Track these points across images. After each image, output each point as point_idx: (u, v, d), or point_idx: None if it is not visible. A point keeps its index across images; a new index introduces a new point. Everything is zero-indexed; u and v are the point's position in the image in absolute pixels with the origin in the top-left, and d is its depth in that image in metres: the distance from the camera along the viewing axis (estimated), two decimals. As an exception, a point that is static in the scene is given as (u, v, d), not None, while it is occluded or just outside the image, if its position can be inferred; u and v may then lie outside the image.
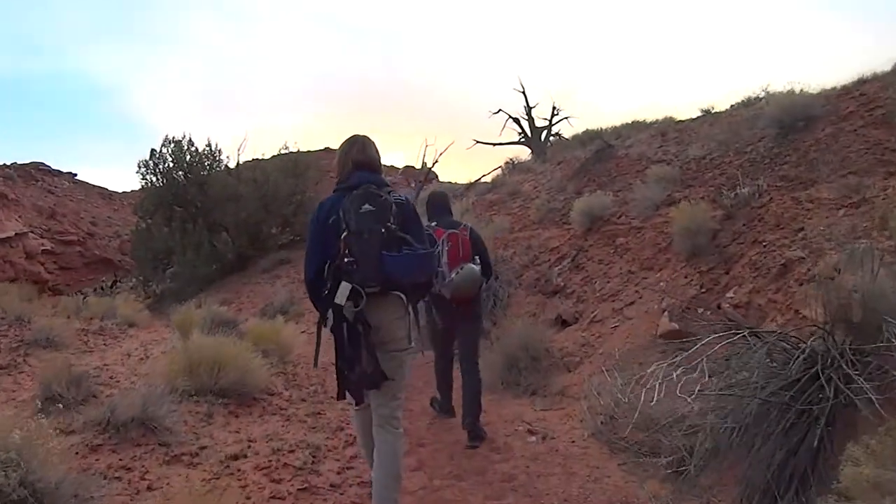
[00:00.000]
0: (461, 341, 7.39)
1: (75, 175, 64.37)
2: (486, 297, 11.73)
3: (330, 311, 4.36)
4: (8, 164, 57.52)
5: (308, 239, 4.57)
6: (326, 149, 56.67)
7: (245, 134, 40.36)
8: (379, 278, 4.28)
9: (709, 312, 8.05)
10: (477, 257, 7.04)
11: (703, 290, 8.52)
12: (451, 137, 41.61)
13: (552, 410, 8.01)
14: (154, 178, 30.24)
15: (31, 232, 41.29)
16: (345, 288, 4.24)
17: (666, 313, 8.22)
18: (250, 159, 31.69)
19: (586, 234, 12.58)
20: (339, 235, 4.30)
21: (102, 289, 36.10)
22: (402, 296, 4.49)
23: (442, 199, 7.71)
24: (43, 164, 61.08)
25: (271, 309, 19.01)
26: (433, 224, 7.16)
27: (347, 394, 4.65)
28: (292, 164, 30.57)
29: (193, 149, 30.36)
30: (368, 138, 4.81)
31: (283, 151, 31.69)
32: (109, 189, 59.37)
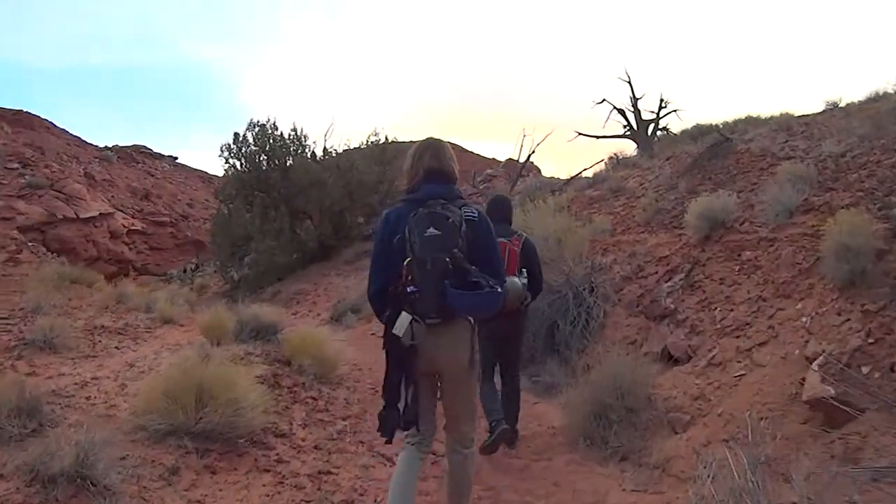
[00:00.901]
0: (502, 356, 7.11)
1: (176, 158, 65.26)
2: (578, 314, 9.88)
3: (386, 334, 4.10)
4: (110, 146, 58.38)
5: (373, 253, 4.37)
6: (428, 139, 55.59)
7: (332, 119, 39.19)
8: (440, 311, 4.05)
9: (878, 376, 5.66)
10: (524, 270, 6.57)
11: (870, 341, 5.98)
12: (552, 129, 39.74)
13: (647, 493, 5.88)
14: (237, 163, 29.22)
15: (122, 212, 41.01)
16: (404, 319, 4.01)
17: (816, 369, 5.81)
18: (338, 148, 30.33)
19: (703, 242, 10.15)
20: (403, 257, 4.07)
21: (185, 271, 35.50)
22: (471, 321, 4.26)
23: (500, 205, 7.23)
24: (145, 147, 62.86)
25: (343, 305, 17.85)
26: None
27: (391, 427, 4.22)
28: (379, 152, 28.85)
29: (278, 133, 29.03)
30: (443, 143, 4.51)
31: (371, 139, 29.91)
32: (210, 173, 59.16)
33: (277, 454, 6.34)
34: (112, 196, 43.83)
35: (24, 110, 51.45)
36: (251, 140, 28.87)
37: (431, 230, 4.02)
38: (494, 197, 7.64)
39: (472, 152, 48.00)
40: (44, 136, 48.62)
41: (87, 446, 4.83)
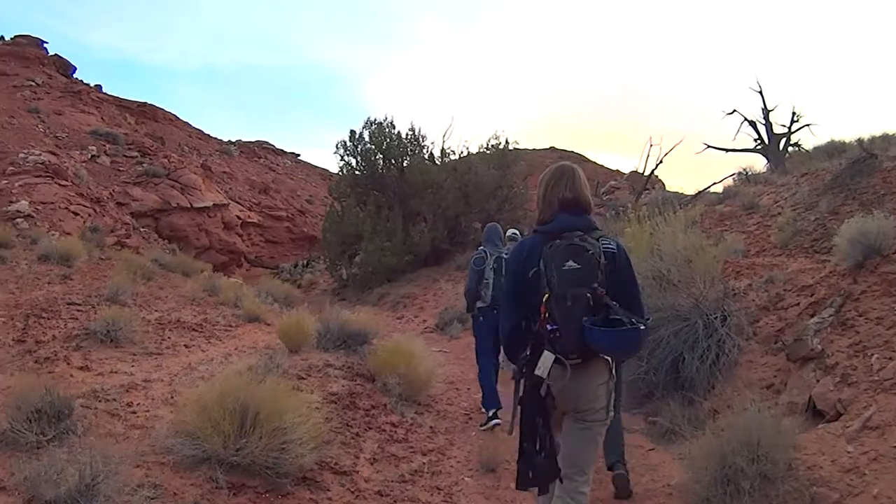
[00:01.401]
0: None
1: (298, 155, 66.18)
2: (707, 347, 8.50)
3: (525, 375, 3.89)
4: (233, 140, 59.53)
5: (505, 289, 4.24)
6: (552, 148, 53.97)
7: (451, 120, 38.56)
8: (581, 350, 3.76)
9: None
10: None
11: None
12: (681, 139, 37.86)
13: None
14: (352, 160, 28.98)
15: (240, 204, 41.37)
16: (547, 359, 3.75)
17: None
18: (457, 150, 29.61)
19: (855, 272, 8.73)
20: (538, 291, 3.82)
21: (296, 266, 35.46)
22: (609, 360, 3.92)
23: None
24: (267, 142, 64.17)
25: (449, 314, 17.19)
26: None
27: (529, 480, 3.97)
28: (499, 156, 27.91)
29: (395, 132, 28.44)
30: (577, 170, 4.23)
31: (491, 142, 28.90)
32: (331, 171, 60.10)
33: (329, 498, 5.36)
34: (230, 188, 44.32)
35: (149, 103, 52.90)
36: (367, 138, 28.44)
37: (570, 263, 3.80)
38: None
39: (594, 162, 46.79)
40: (167, 128, 49.71)
41: (94, 468, 4.16)
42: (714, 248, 10.64)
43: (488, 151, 28.46)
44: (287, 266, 37.23)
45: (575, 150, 56.10)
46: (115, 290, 12.69)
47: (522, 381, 3.92)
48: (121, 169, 34.09)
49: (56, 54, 46.42)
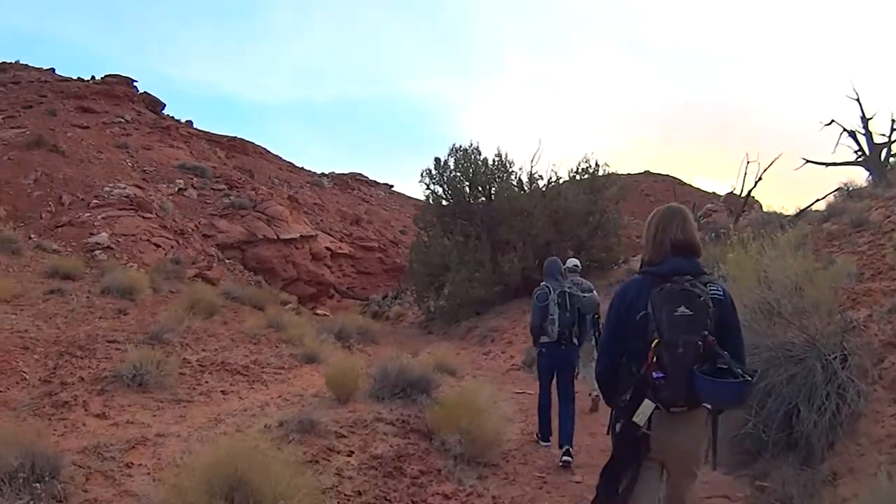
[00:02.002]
0: None
1: (391, 186, 65.80)
2: (827, 395, 6.82)
3: (621, 420, 3.83)
4: (326, 172, 59.57)
5: (606, 327, 4.09)
6: (646, 172, 52.19)
7: (539, 144, 37.26)
8: (687, 398, 3.65)
9: None
10: None
11: None
12: (780, 153, 35.23)
13: None
14: (438, 188, 28.09)
15: (330, 236, 40.98)
16: (647, 408, 3.66)
17: None
18: (545, 175, 28.16)
19: None
20: (645, 335, 3.70)
21: (385, 297, 34.70)
22: (708, 408, 3.81)
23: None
24: (360, 174, 64.69)
25: (536, 350, 15.52)
26: None
27: None
28: (589, 180, 26.55)
29: (481, 158, 27.33)
30: (687, 212, 4.11)
31: (581, 166, 27.44)
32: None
33: None
34: (321, 220, 44.07)
35: (239, 137, 53.58)
36: (453, 165, 27.45)
37: (682, 310, 3.68)
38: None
39: (690, 185, 44.91)
40: (257, 161, 50.00)
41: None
42: (825, 273, 9.07)
43: (578, 176, 27.02)
44: (376, 298, 36.48)
45: (669, 174, 54.40)
46: (162, 327, 11.93)
47: (618, 424, 3.85)
48: (207, 201, 33.99)
49: (145, 92, 47.25)
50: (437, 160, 27.64)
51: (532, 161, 30.31)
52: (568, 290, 8.31)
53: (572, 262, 10.47)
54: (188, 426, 7.39)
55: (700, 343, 3.60)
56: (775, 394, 7.06)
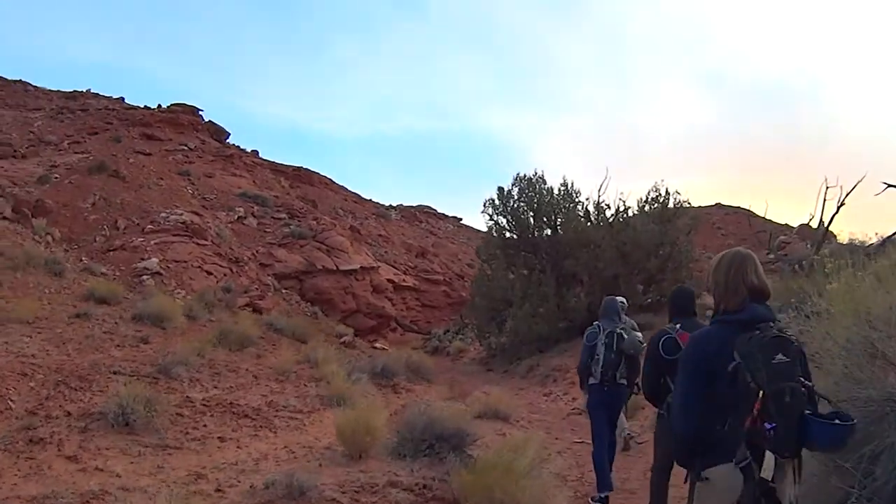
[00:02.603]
0: None
1: (460, 219, 64.79)
2: None
3: (726, 483, 3.56)
4: (394, 204, 58.87)
5: (684, 382, 3.82)
6: (718, 204, 50.24)
7: (606, 172, 36.22)
8: (795, 448, 3.51)
9: None
10: None
11: None
12: (861, 180, 32.68)
13: None
14: (502, 220, 26.59)
15: (394, 268, 39.98)
16: (771, 460, 3.43)
17: None
18: (612, 205, 26.23)
19: None
20: (738, 388, 3.50)
21: (447, 332, 33.39)
22: (795, 462, 3.59)
23: (686, 297, 6.47)
24: (429, 207, 64.27)
25: None
26: (677, 326, 6.11)
27: None
28: (659, 209, 24.85)
29: (546, 187, 25.78)
30: (755, 257, 3.91)
31: (651, 195, 25.61)
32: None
33: None
34: (385, 251, 43.20)
35: (304, 167, 53.27)
36: (516, 195, 26.04)
37: (780, 357, 3.48)
38: (679, 288, 7.10)
39: (762, 217, 42.81)
40: (321, 192, 49.56)
41: None
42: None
43: (648, 206, 25.25)
44: (438, 332, 35.08)
45: (741, 206, 52.10)
46: (174, 359, 10.87)
47: (735, 490, 3.53)
48: (267, 230, 33.28)
49: (210, 121, 47.04)
50: (501, 189, 26.35)
51: (599, 190, 28.48)
52: (619, 330, 8.00)
53: (621, 300, 9.42)
54: (162, 480, 6.40)
55: (804, 389, 3.50)
56: (885, 460, 5.49)
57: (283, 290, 29.04)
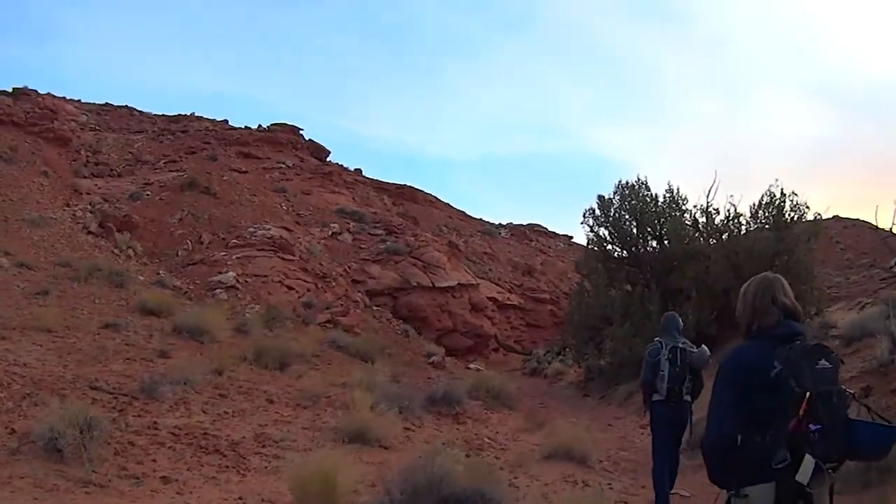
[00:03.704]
0: None
1: (571, 238, 62.46)
2: None
3: (763, 499, 3.46)
4: (503, 223, 57.34)
5: (721, 393, 3.67)
6: (835, 217, 46.70)
7: (715, 176, 32.42)
8: (841, 452, 3.46)
9: None
10: None
11: None
12: None
13: None
14: (603, 231, 23.88)
15: (498, 286, 37.94)
16: (809, 463, 3.32)
17: None
18: (723, 210, 22.47)
19: None
20: (781, 393, 3.43)
21: (547, 352, 30.98)
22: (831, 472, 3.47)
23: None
24: (539, 225, 63.28)
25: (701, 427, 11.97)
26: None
27: None
28: (774, 213, 21.42)
29: (649, 195, 23.12)
30: (783, 279, 3.92)
31: (765, 198, 21.90)
32: (606, 251, 56.13)
33: None
34: (489, 269, 41.12)
35: (409, 185, 51.77)
36: (617, 203, 23.39)
37: (823, 363, 3.51)
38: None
39: (881, 229, 39.42)
40: (426, 210, 48.11)
41: None
42: None
43: (762, 211, 21.66)
44: (538, 352, 32.58)
45: (860, 218, 47.98)
46: (165, 377, 9.12)
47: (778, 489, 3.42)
48: (362, 246, 31.68)
49: (311, 140, 45.76)
50: (601, 198, 23.62)
51: (708, 195, 24.34)
52: (681, 345, 8.04)
53: (677, 316, 9.35)
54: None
55: (849, 393, 3.57)
56: None
57: (375, 308, 27.31)
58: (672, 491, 8.25)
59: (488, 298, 34.73)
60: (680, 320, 8.69)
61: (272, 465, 7.47)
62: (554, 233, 61.23)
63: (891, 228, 23.00)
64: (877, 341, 11.03)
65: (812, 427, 3.33)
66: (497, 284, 38.92)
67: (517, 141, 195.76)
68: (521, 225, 59.79)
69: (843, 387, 3.52)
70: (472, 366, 26.63)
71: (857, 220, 48.50)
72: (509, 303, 38.18)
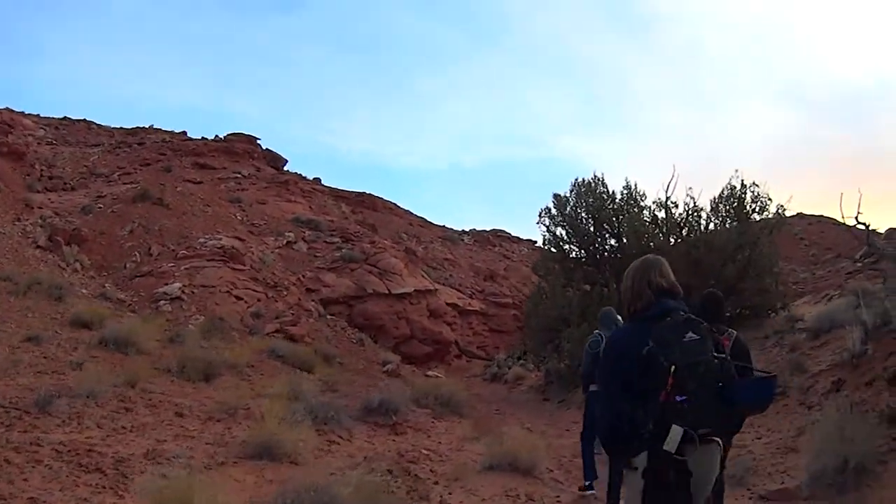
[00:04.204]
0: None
1: (535, 242, 61.74)
2: None
3: (643, 455, 3.56)
4: (466, 229, 56.79)
5: (605, 374, 4.00)
6: (799, 214, 46.65)
7: (674, 171, 31.13)
8: (713, 418, 3.58)
9: None
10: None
11: None
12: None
13: None
14: (559, 230, 23.00)
15: (459, 292, 37.13)
16: (676, 433, 3.42)
17: None
18: (682, 205, 21.55)
19: None
20: (655, 369, 3.51)
21: (508, 357, 30.20)
22: (720, 442, 3.72)
23: (717, 302, 6.74)
24: (502, 231, 62.42)
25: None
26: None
27: None
28: (735, 205, 20.59)
29: (606, 191, 22.29)
30: (663, 261, 4.07)
31: (727, 189, 21.03)
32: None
33: None
34: (450, 275, 40.20)
35: (368, 192, 51.04)
36: (574, 201, 22.54)
37: (691, 335, 3.64)
38: (708, 293, 6.94)
39: (844, 224, 39.69)
40: (385, 217, 47.39)
41: None
42: None
43: (723, 204, 20.80)
44: (500, 357, 31.65)
45: (824, 215, 48.06)
46: (66, 389, 8.15)
47: (645, 463, 3.55)
48: (317, 255, 30.52)
49: (268, 149, 44.81)
50: (557, 196, 22.75)
51: (667, 189, 23.18)
52: None
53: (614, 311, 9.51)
54: None
55: (717, 361, 3.61)
56: None
57: (329, 317, 26.15)
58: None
59: (448, 304, 33.66)
60: (616, 315, 8.78)
61: (156, 486, 6.54)
62: (517, 238, 60.41)
63: (856, 217, 22.42)
64: (846, 332, 10.53)
65: (678, 398, 3.42)
66: (458, 290, 37.96)
67: (487, 150, 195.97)
68: (485, 231, 58.84)
69: (715, 355, 3.57)
70: (430, 373, 25.68)
71: (822, 216, 48.56)
72: (471, 308, 37.14)
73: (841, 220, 38.58)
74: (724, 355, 3.68)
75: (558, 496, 8.57)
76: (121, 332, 12.79)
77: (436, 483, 8.69)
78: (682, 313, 3.72)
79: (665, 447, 3.40)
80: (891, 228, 31.64)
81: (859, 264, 24.74)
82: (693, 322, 3.66)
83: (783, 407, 10.10)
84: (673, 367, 3.46)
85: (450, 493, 8.27)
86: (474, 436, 11.42)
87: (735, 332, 6.41)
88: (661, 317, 3.68)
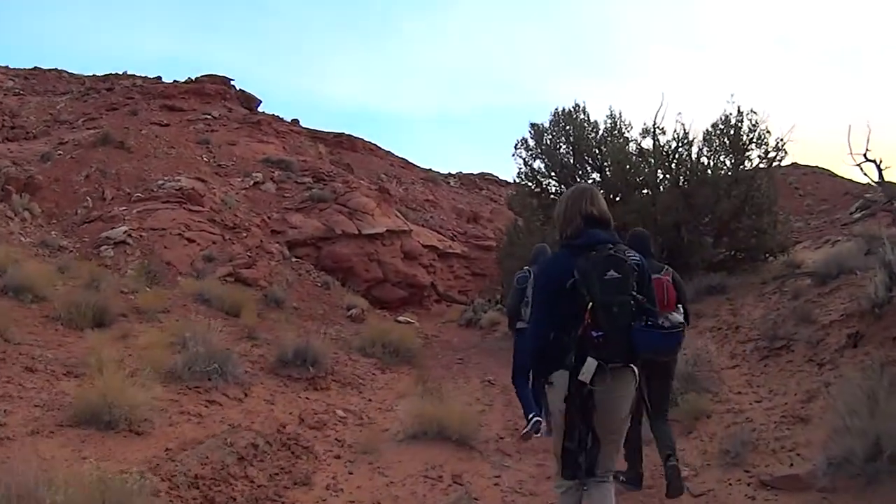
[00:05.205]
0: (652, 398, 5.45)
1: (523, 185, 59.70)
2: None
3: (562, 382, 3.89)
4: (453, 172, 55.63)
5: (536, 300, 4.30)
6: (794, 164, 45.11)
7: (662, 98, 28.61)
8: (625, 354, 3.89)
9: None
10: (679, 306, 5.88)
11: None
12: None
13: None
14: (538, 163, 20.99)
15: (440, 234, 35.18)
16: (591, 365, 3.78)
17: None
18: (672, 135, 18.60)
19: None
20: (577, 301, 3.82)
21: (489, 300, 28.15)
22: (635, 369, 3.99)
23: (643, 239, 6.25)
24: (490, 174, 60.64)
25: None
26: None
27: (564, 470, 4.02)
28: (731, 135, 17.83)
29: (586, 119, 20.16)
30: (595, 190, 4.25)
31: (721, 118, 18.22)
32: (561, 197, 53.96)
33: None
34: (430, 216, 38.20)
35: (347, 133, 49.06)
36: (552, 131, 20.40)
37: (612, 273, 3.85)
38: (635, 231, 6.54)
39: (840, 176, 38.12)
40: (364, 158, 45.58)
41: None
42: None
43: (716, 135, 18.07)
44: (480, 302, 29.72)
45: (819, 165, 46.79)
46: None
47: (566, 388, 3.84)
48: (286, 195, 28.54)
49: (241, 90, 42.56)
50: (535, 126, 20.57)
51: (655, 118, 20.41)
52: None
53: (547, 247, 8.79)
54: None
55: (632, 302, 3.81)
56: None
57: (294, 259, 24.19)
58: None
59: (426, 246, 31.51)
60: (549, 250, 8.25)
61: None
62: (505, 181, 58.40)
63: (864, 154, 20.32)
64: (860, 279, 9.23)
65: (594, 333, 3.72)
66: (438, 232, 35.87)
67: (475, 95, 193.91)
68: (472, 174, 56.99)
69: (637, 296, 3.79)
70: (401, 318, 23.79)
71: (816, 167, 46.85)
72: (451, 251, 34.98)
73: (834, 174, 36.67)
74: (641, 297, 3.82)
75: (498, 476, 6.62)
76: (20, 279, 10.87)
77: (337, 458, 6.85)
78: (609, 246, 3.84)
79: (580, 377, 3.72)
80: (887, 182, 29.77)
81: (856, 216, 22.96)
82: (615, 259, 3.80)
83: (787, 364, 8.09)
84: (590, 304, 3.70)
85: (349, 474, 6.41)
86: (414, 393, 9.50)
87: (672, 270, 6.07)
88: (589, 248, 3.84)
